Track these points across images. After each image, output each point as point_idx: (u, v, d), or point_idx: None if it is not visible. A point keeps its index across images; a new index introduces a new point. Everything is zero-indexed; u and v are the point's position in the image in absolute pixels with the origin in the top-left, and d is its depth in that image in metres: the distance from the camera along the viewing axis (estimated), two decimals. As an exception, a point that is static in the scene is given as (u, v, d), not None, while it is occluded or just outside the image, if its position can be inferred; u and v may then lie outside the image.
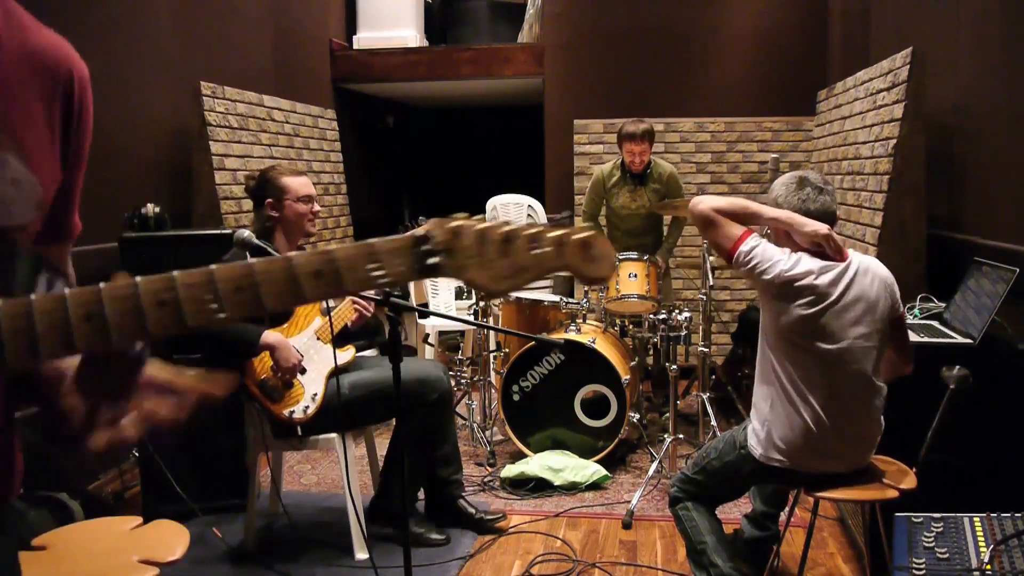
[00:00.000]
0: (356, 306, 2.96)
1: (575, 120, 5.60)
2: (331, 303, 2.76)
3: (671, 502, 2.58)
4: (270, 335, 2.75)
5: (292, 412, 2.75)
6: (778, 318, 2.28)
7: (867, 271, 2.31)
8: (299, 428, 2.79)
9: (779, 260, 2.27)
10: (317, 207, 2.94)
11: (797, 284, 2.24)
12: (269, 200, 2.86)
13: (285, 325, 2.86)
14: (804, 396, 2.27)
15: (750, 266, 2.29)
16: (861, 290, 2.27)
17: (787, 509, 2.74)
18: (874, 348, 2.28)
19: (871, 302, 2.28)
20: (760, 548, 2.77)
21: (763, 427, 2.35)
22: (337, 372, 2.82)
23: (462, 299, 5.16)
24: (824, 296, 2.24)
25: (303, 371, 2.81)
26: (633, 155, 4.25)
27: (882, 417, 2.36)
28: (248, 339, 2.71)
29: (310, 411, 2.78)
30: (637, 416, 3.98)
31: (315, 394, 2.81)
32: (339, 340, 2.91)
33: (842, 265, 2.28)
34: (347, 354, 2.97)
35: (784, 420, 2.29)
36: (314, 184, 5.24)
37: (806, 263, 2.27)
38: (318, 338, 2.91)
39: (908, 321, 2.96)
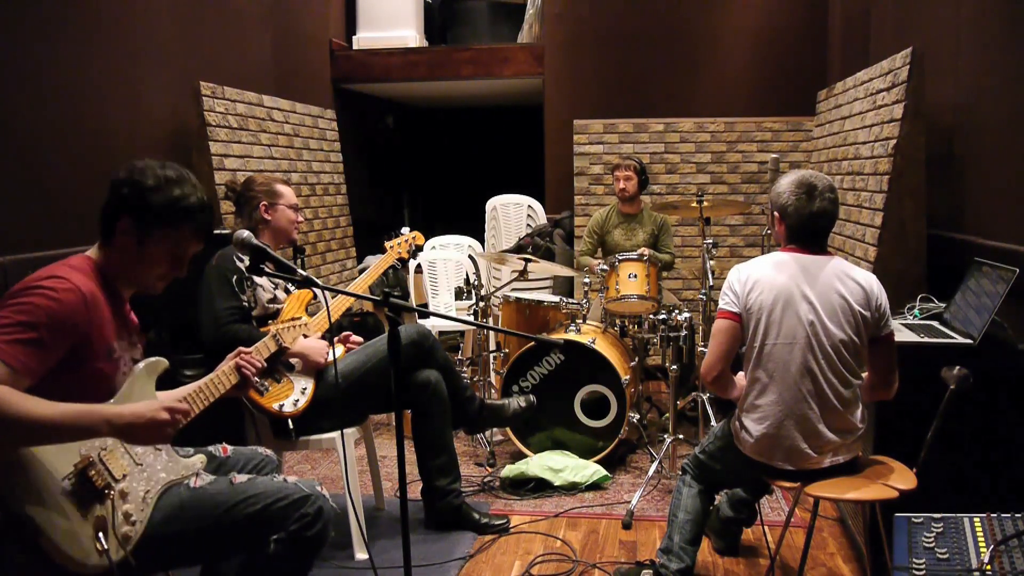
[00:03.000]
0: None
1: (575, 120, 5.60)
2: (328, 297, 2.75)
3: (681, 471, 2.77)
4: (304, 344, 2.82)
5: (281, 406, 2.75)
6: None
7: (840, 274, 2.38)
8: (291, 422, 2.78)
9: (736, 288, 2.45)
10: (301, 219, 3.06)
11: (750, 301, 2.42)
12: (264, 203, 2.93)
13: (271, 324, 2.87)
14: (765, 389, 2.40)
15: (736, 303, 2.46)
16: (821, 288, 2.36)
17: (788, 509, 2.75)
18: (824, 344, 2.35)
19: (832, 302, 2.36)
20: (731, 528, 2.97)
21: (752, 423, 2.43)
22: (335, 365, 2.85)
23: (462, 299, 5.16)
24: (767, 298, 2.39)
25: (291, 367, 2.81)
26: (619, 181, 4.50)
27: (859, 412, 2.41)
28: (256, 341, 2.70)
29: (300, 404, 2.77)
30: (637, 416, 3.98)
31: (305, 388, 2.81)
32: (329, 339, 2.93)
33: (808, 260, 2.40)
34: (337, 350, 2.98)
35: (758, 414, 2.41)
36: (314, 184, 5.29)
37: (755, 273, 2.42)
38: (304, 335, 2.91)
39: (908, 321, 2.97)
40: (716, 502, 2.96)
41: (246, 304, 2.80)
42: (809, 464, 2.37)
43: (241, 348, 2.22)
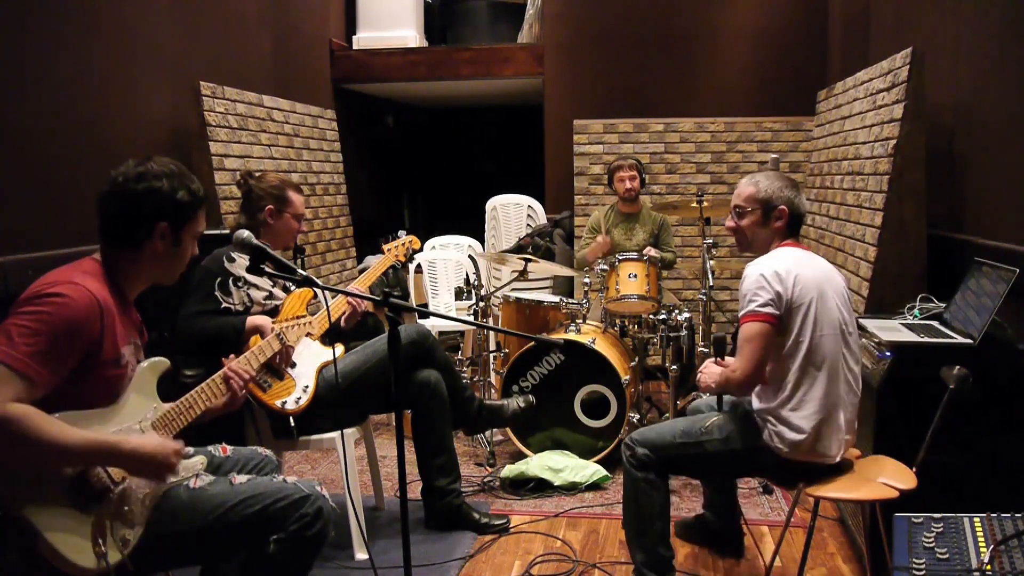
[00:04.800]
0: (350, 301, 3.00)
1: (575, 120, 5.60)
2: (328, 297, 2.75)
3: (637, 465, 2.54)
4: (254, 319, 2.77)
5: (284, 403, 2.75)
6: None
7: (827, 263, 2.49)
8: (292, 419, 2.78)
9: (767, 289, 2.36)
10: (305, 228, 3.08)
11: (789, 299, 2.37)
12: (270, 207, 2.92)
13: (274, 322, 2.87)
14: (815, 383, 2.36)
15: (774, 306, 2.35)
16: (830, 277, 2.43)
17: (788, 509, 2.75)
18: (847, 330, 2.40)
19: (841, 289, 2.43)
20: (734, 531, 2.95)
21: (802, 420, 2.36)
22: (335, 365, 2.85)
23: (462, 299, 5.16)
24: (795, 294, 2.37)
25: (293, 364, 2.81)
26: (624, 181, 4.45)
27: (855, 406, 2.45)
28: (234, 328, 2.71)
29: (302, 402, 2.77)
30: (637, 416, 3.98)
31: (306, 386, 2.82)
32: (329, 339, 2.94)
33: (805, 253, 2.45)
34: (337, 350, 2.98)
35: (808, 409, 2.36)
36: (314, 184, 5.29)
37: (792, 268, 2.37)
38: (308, 334, 2.92)
39: (908, 321, 2.98)
40: (703, 516, 3.02)
41: (226, 307, 2.78)
42: (837, 458, 2.38)
43: (233, 354, 2.24)
